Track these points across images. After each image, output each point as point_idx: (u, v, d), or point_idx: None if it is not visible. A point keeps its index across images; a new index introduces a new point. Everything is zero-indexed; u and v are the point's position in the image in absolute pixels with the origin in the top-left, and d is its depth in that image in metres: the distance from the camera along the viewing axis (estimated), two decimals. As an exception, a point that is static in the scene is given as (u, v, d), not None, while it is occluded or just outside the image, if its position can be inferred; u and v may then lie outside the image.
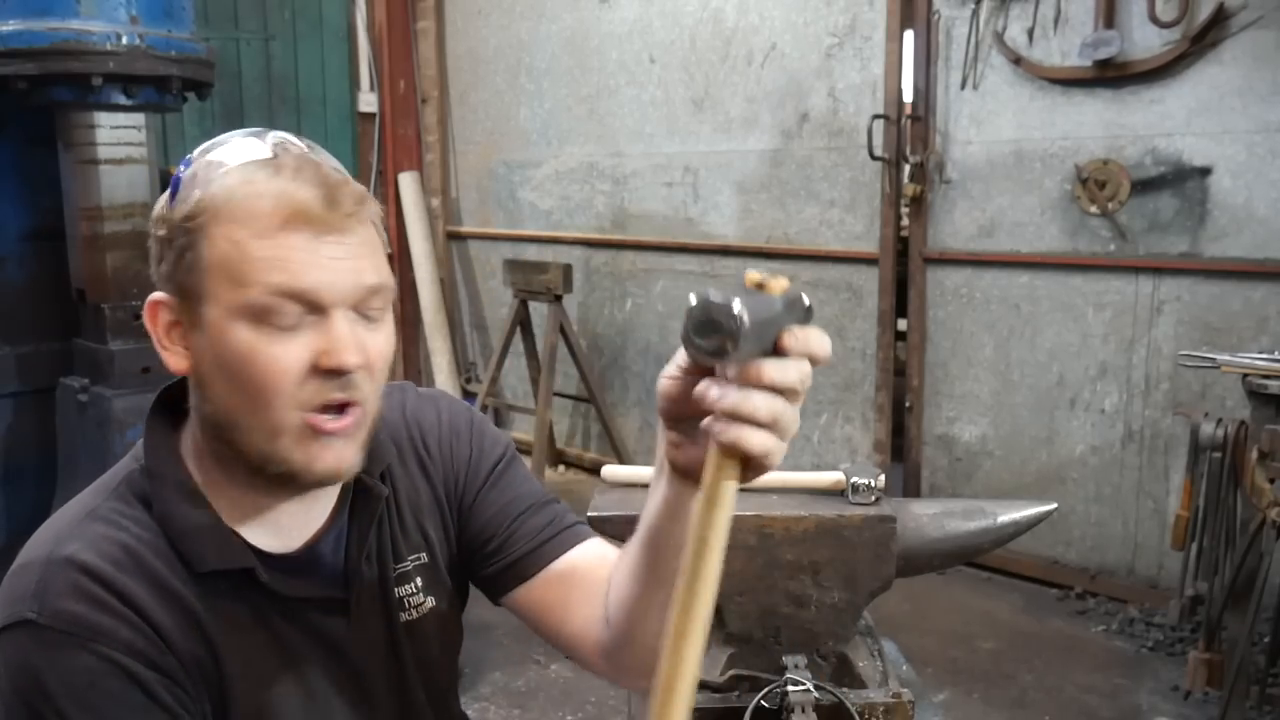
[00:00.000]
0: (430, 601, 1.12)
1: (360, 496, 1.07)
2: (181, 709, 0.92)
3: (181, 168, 0.96)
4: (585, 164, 5.39)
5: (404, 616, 1.10)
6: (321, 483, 0.97)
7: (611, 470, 1.58)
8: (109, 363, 3.57)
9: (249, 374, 0.91)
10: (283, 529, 1.02)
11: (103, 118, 3.59)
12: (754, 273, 0.74)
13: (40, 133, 3.73)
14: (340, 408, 0.94)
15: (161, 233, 0.95)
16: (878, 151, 4.18)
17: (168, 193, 0.95)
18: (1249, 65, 3.41)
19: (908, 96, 4.22)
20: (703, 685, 1.37)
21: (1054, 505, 1.49)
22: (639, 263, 5.22)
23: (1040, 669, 3.43)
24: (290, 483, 0.96)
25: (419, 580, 1.12)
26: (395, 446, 1.13)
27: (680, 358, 0.78)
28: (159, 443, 1.01)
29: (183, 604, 0.93)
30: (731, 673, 1.37)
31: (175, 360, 0.97)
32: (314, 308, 0.91)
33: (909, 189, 4.17)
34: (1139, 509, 3.84)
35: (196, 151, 0.97)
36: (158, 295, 0.97)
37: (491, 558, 1.14)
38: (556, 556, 1.12)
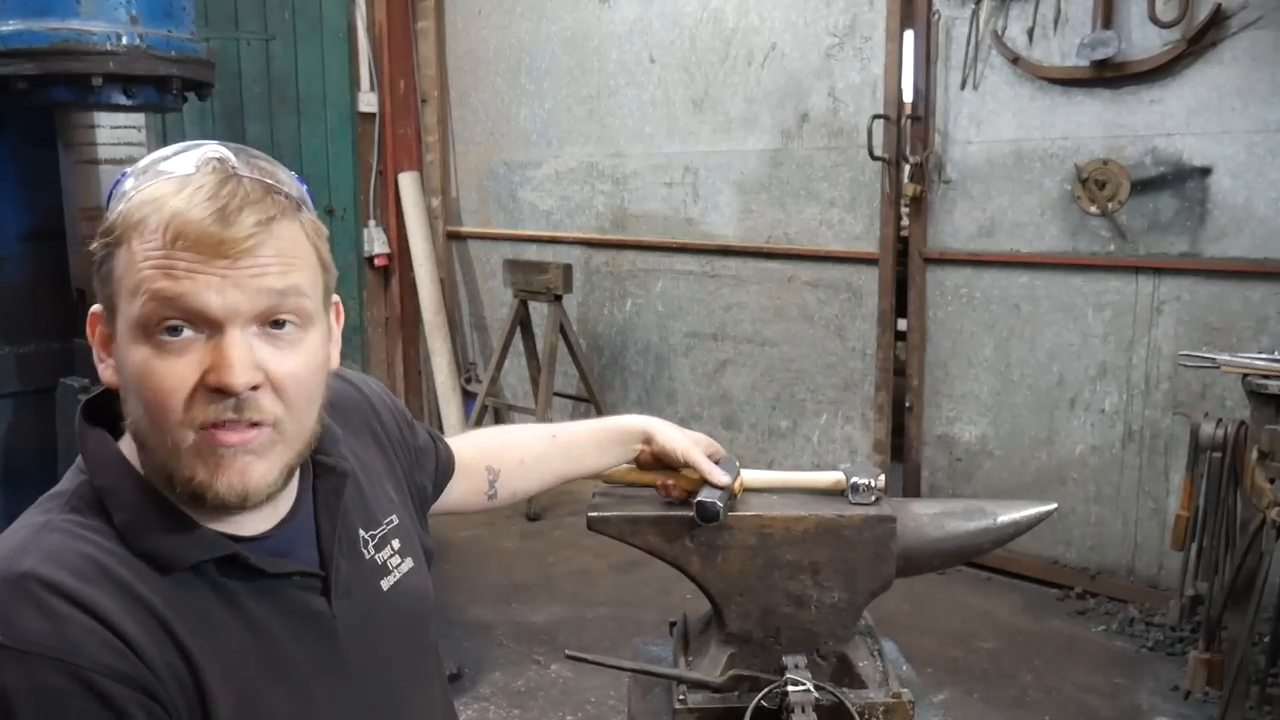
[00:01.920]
0: (409, 562, 1.17)
1: (322, 477, 1.08)
2: None
3: (119, 180, 0.96)
4: (585, 164, 5.39)
5: (386, 582, 1.13)
6: (229, 502, 0.93)
7: (611, 470, 1.58)
8: (109, 363, 3.57)
9: (144, 390, 0.91)
10: (248, 522, 1.00)
11: (103, 118, 3.59)
12: (738, 485, 1.42)
13: (40, 133, 3.73)
14: (243, 426, 0.93)
15: (93, 245, 0.95)
16: (878, 151, 4.18)
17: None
18: (1248, 65, 3.41)
19: (908, 96, 4.22)
20: (703, 685, 1.37)
21: (1054, 505, 1.49)
22: (639, 263, 5.22)
23: (1040, 669, 3.43)
24: (199, 504, 0.94)
25: (395, 542, 1.16)
26: (347, 419, 1.17)
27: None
28: (102, 454, 0.98)
29: (153, 612, 0.90)
30: (731, 673, 1.36)
31: (107, 373, 0.97)
32: (207, 324, 0.90)
33: (909, 189, 4.17)
34: (1139, 509, 3.84)
35: (139, 164, 0.97)
36: (95, 307, 0.97)
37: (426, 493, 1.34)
38: (454, 468, 1.40)
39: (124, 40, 3.45)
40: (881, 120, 4.17)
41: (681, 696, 1.36)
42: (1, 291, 3.94)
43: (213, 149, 0.95)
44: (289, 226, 0.94)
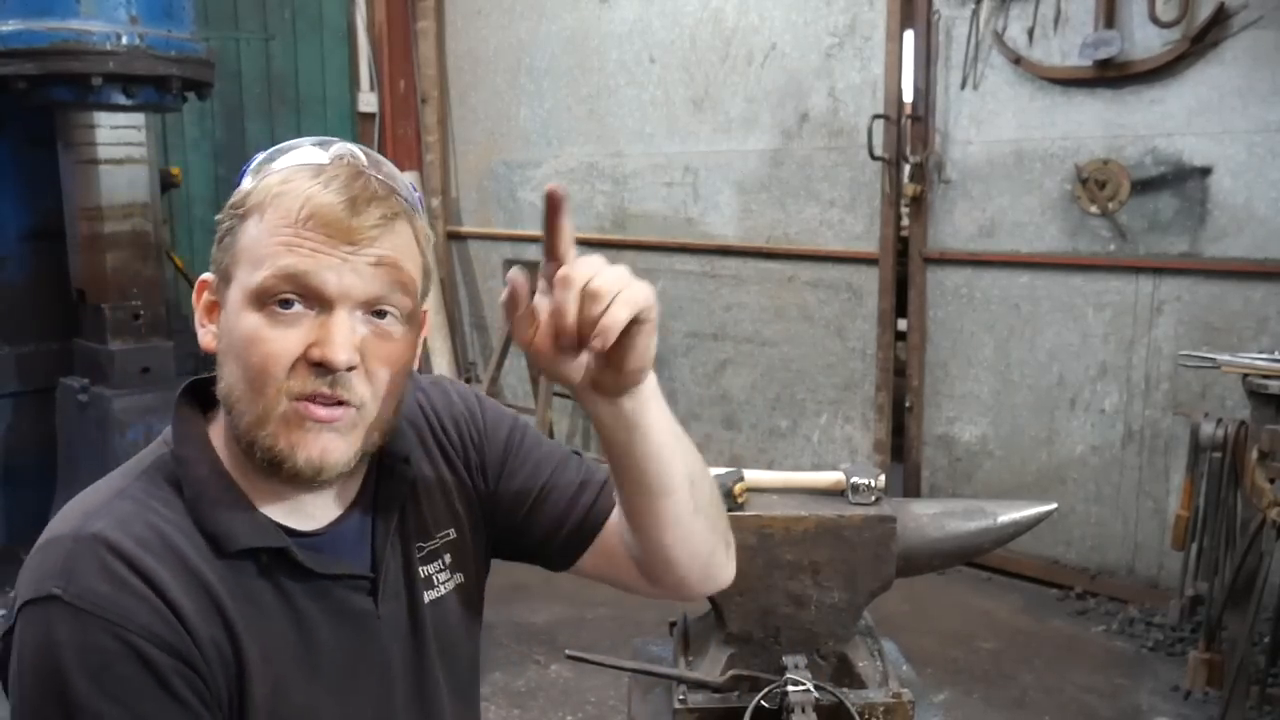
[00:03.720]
0: (458, 578, 1.17)
1: (385, 479, 1.10)
2: (195, 696, 0.93)
3: (249, 161, 1.02)
4: (585, 164, 5.39)
5: (429, 595, 1.13)
6: (304, 474, 0.97)
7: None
8: (109, 363, 3.58)
9: (249, 355, 0.95)
10: (307, 513, 1.04)
11: (103, 118, 3.59)
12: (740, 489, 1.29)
13: (40, 133, 3.73)
14: (333, 403, 0.96)
15: (218, 216, 1.01)
16: (878, 151, 4.18)
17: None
18: (1249, 65, 3.41)
19: (908, 96, 4.22)
20: (703, 685, 1.37)
21: (1054, 505, 1.49)
22: (639, 263, 5.22)
23: (1040, 669, 3.43)
24: (277, 471, 0.97)
25: (446, 557, 1.15)
26: (415, 432, 1.17)
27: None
28: (188, 428, 1.03)
29: (206, 588, 0.95)
30: (731, 673, 1.36)
31: (207, 338, 1.02)
32: (319, 301, 0.95)
33: (909, 189, 4.17)
34: (1139, 509, 3.84)
35: (273, 149, 1.02)
36: (205, 275, 1.02)
37: (534, 528, 1.19)
38: (603, 521, 1.17)
39: (124, 40, 3.46)
40: (881, 120, 4.17)
41: (681, 696, 1.36)
42: (1, 291, 3.95)
43: (344, 146, 1.00)
44: (405, 228, 0.99)
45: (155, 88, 3.64)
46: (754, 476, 1.47)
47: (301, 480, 0.98)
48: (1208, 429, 2.89)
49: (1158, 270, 3.67)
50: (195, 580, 0.94)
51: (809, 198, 4.54)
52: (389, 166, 1.02)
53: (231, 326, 0.97)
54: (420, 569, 1.13)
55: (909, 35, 4.16)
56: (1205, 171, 3.54)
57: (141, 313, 3.65)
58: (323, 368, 0.94)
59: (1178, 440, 3.61)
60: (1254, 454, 2.66)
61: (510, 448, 1.20)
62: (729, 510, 1.36)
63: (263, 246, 0.95)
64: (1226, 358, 2.82)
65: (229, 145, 5.54)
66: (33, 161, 3.87)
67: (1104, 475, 3.90)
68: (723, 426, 4.95)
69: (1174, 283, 3.65)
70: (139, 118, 3.69)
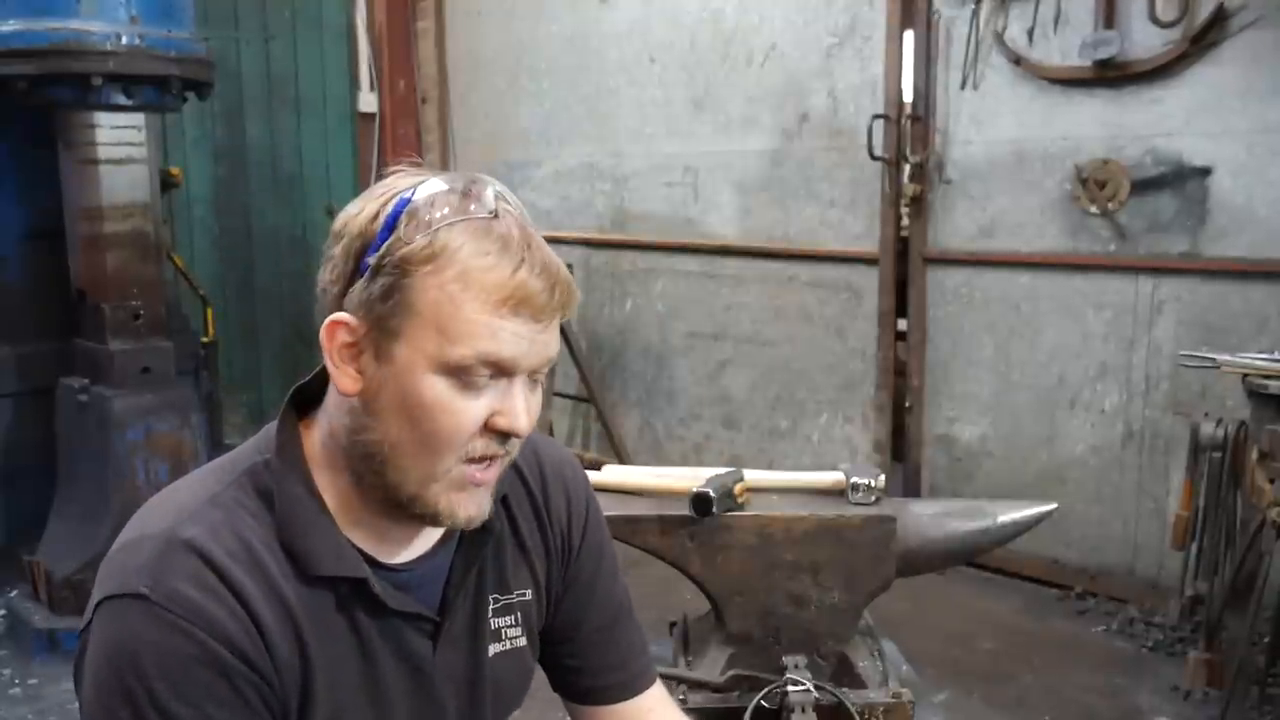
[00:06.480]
0: (522, 640, 1.17)
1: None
2: (266, 710, 0.94)
3: (401, 202, 0.95)
4: (585, 164, 5.39)
5: (495, 648, 1.13)
6: (457, 527, 1.01)
7: (611, 470, 1.59)
8: (109, 362, 3.58)
9: (432, 422, 0.94)
10: (393, 544, 1.04)
11: (102, 118, 3.59)
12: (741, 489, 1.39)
13: (40, 133, 3.73)
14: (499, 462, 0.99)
15: (370, 259, 0.94)
16: (878, 151, 4.18)
17: (371, 214, 0.95)
18: (1249, 65, 3.41)
19: (908, 96, 4.21)
20: (702, 685, 1.37)
21: (1054, 505, 1.50)
22: (639, 263, 5.22)
23: (1040, 669, 3.43)
24: (425, 522, 1.00)
25: (519, 615, 1.16)
26: (521, 481, 1.17)
27: None
28: (289, 441, 1.02)
29: (287, 607, 0.96)
30: (731, 673, 1.37)
31: (346, 382, 0.97)
32: (503, 373, 0.96)
33: (909, 189, 4.17)
34: (1139, 509, 3.84)
35: (405, 185, 0.97)
36: (341, 316, 0.96)
37: (561, 656, 1.26)
38: (619, 700, 1.27)
39: (124, 40, 3.46)
40: (881, 120, 4.17)
41: (681, 696, 1.36)
42: (1, 291, 3.95)
43: (488, 186, 0.98)
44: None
45: (155, 88, 3.64)
46: (754, 476, 1.47)
47: (443, 526, 1.01)
48: (1208, 429, 2.89)
49: (1158, 270, 3.67)
50: (277, 599, 0.95)
51: (809, 198, 4.54)
52: (514, 195, 1.02)
53: (408, 387, 0.94)
54: (492, 620, 1.13)
55: (909, 35, 4.16)
56: (1205, 171, 3.54)
57: (141, 313, 3.65)
58: (503, 434, 0.96)
59: (1178, 440, 3.61)
60: (1254, 454, 2.66)
61: (600, 571, 1.24)
62: (728, 510, 1.36)
63: (460, 321, 0.92)
64: (1226, 358, 2.82)
65: (229, 145, 5.54)
66: (33, 161, 3.87)
67: (1104, 475, 3.90)
68: (723, 426, 4.94)
69: (1174, 283, 3.65)
70: (139, 118, 3.69)
